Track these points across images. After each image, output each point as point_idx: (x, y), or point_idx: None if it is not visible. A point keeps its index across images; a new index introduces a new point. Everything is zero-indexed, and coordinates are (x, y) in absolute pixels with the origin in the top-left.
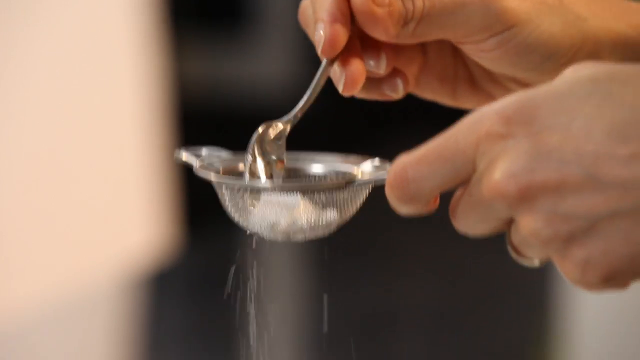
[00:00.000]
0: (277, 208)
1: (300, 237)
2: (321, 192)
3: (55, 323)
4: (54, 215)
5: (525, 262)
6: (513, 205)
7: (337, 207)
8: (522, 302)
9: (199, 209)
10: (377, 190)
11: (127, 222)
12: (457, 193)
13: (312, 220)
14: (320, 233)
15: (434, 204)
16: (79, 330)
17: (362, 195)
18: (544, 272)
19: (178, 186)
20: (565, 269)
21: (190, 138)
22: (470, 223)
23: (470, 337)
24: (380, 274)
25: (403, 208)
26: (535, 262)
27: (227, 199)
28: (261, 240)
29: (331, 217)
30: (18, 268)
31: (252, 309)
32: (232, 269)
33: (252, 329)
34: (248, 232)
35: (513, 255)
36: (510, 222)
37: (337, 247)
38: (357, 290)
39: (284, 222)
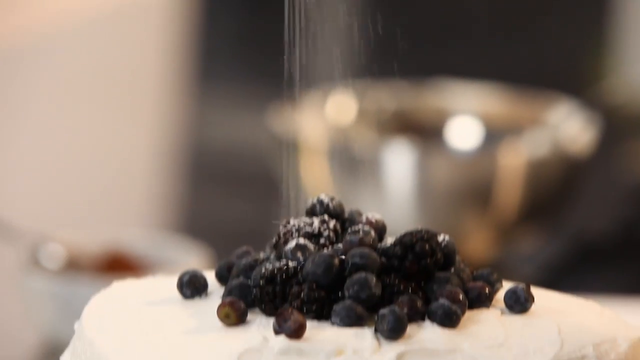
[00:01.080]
0: None
1: None
2: None
3: (109, 27)
4: None
5: None
6: None
7: None
8: (579, 14)
9: None
10: None
11: None
12: None
13: None
14: None
15: None
16: (132, 36)
17: None
18: None
19: None
20: None
21: None
22: None
23: (527, 46)
24: None
25: None
26: None
27: None
28: None
29: None
30: None
31: (304, 16)
32: None
33: (302, 36)
34: None
35: None
36: None
37: None
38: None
39: None
